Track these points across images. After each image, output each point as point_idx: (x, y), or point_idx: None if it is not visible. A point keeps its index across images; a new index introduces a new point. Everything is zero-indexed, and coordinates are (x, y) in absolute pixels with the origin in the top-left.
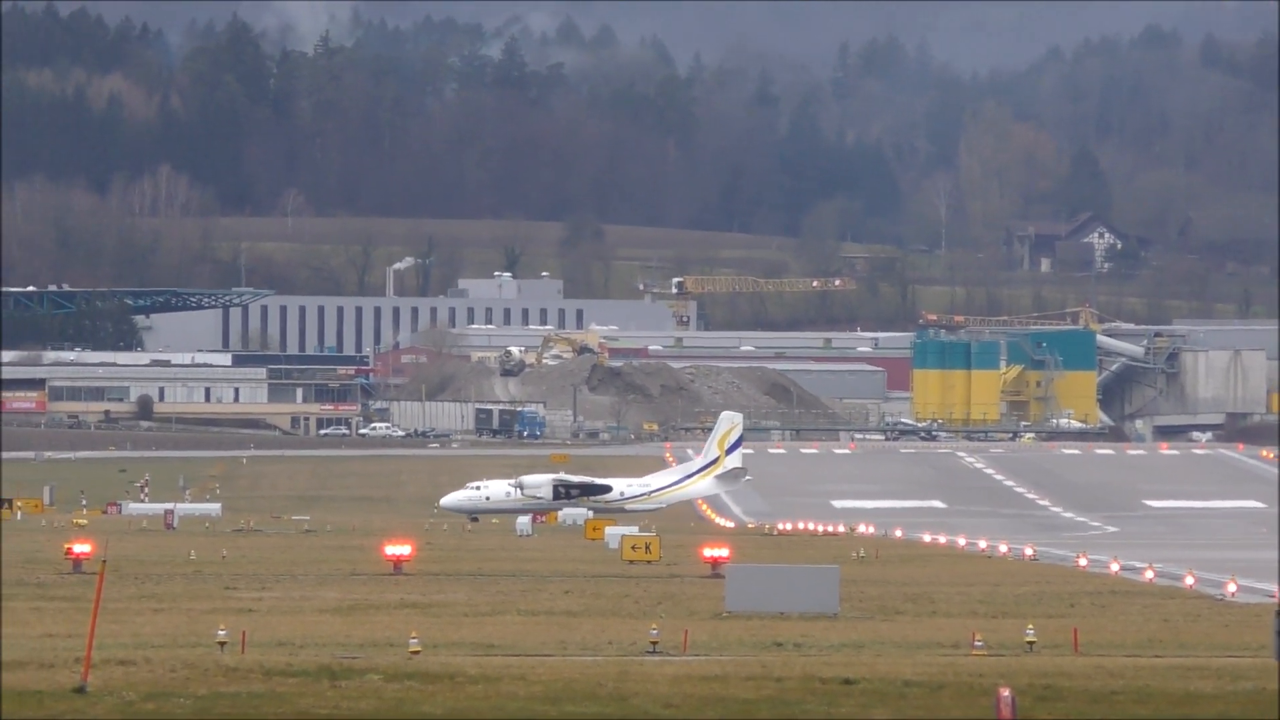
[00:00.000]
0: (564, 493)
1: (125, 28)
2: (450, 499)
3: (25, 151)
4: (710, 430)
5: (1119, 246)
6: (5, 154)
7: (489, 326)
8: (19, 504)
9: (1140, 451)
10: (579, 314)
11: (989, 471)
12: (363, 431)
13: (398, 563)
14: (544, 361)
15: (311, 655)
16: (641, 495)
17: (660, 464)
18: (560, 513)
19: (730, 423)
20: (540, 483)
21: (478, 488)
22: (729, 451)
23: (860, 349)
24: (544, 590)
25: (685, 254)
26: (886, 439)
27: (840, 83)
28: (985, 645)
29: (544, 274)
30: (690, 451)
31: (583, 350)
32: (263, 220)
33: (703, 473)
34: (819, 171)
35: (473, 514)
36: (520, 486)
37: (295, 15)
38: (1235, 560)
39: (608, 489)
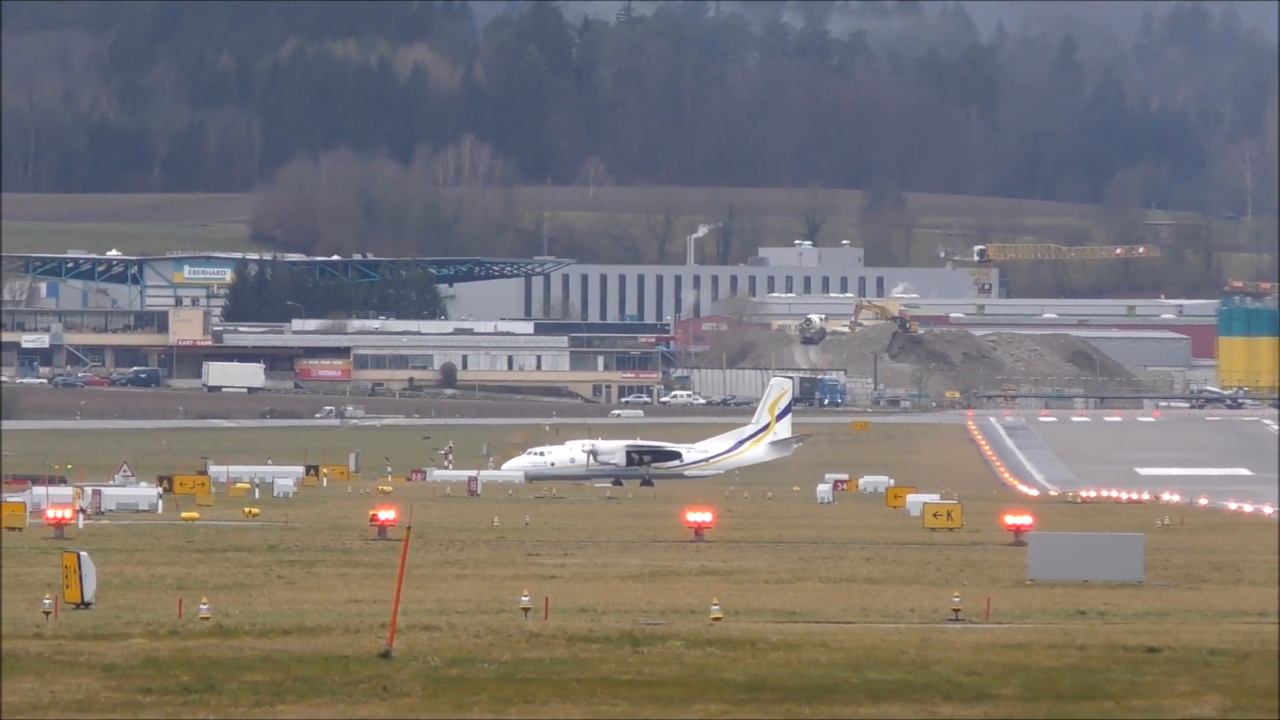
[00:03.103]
0: (637, 459)
1: None
2: (512, 464)
3: (331, 122)
4: (1014, 397)
5: None
6: (313, 124)
7: (789, 295)
8: (325, 470)
9: None
10: (879, 281)
11: None
12: (664, 399)
13: (699, 529)
14: (856, 328)
15: (613, 621)
16: (699, 461)
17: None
18: (861, 480)
19: (780, 389)
20: (614, 448)
21: (541, 453)
22: (779, 418)
23: (1164, 316)
24: (844, 557)
25: (987, 221)
26: (1191, 407)
27: (1144, 49)
28: None
29: (844, 242)
30: (992, 420)
31: (893, 318)
32: (564, 189)
33: (755, 439)
34: (1123, 138)
35: (535, 480)
36: (594, 453)
37: None
38: None
39: (679, 455)
